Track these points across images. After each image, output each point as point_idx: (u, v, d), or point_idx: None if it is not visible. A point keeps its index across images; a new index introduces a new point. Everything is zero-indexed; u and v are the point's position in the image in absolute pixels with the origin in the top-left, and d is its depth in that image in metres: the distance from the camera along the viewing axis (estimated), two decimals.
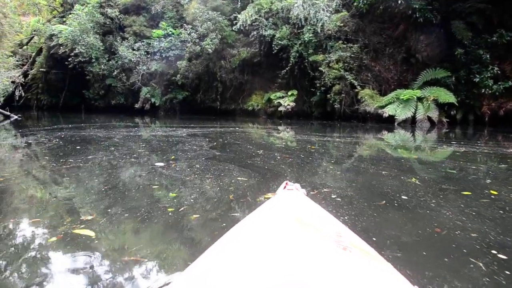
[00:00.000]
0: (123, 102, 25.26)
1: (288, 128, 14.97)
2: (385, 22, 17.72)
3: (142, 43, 23.47)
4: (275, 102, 20.25)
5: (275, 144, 9.43)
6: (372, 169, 5.70)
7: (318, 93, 18.44)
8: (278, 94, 20.34)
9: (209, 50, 20.69)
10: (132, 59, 23.04)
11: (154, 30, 23.38)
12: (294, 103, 19.53)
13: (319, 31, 18.15)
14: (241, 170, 5.45)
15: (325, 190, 4.23)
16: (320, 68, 18.00)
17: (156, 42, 23.06)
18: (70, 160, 6.13)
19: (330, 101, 17.89)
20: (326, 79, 17.65)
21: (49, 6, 30.11)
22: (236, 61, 21.51)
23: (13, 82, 25.76)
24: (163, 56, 23.09)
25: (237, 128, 14.15)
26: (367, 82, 17.53)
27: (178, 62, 22.21)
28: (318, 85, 18.18)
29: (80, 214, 3.29)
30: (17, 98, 25.39)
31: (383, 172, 5.38)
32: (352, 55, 17.45)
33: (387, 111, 15.91)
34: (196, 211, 3.44)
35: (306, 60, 18.69)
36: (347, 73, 17.24)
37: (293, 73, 19.41)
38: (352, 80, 17.16)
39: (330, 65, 17.68)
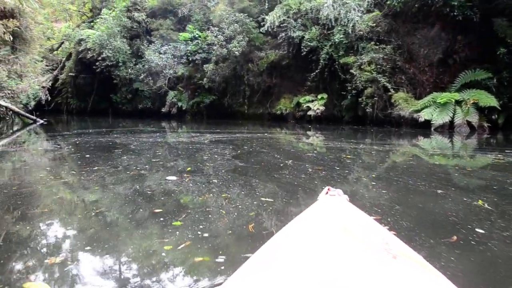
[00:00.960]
0: (150, 106, 25.46)
1: (318, 134, 14.59)
2: (420, 22, 17.03)
3: (169, 46, 23.52)
4: (304, 106, 19.88)
5: (305, 153, 9.00)
6: (422, 187, 4.92)
7: (349, 97, 17.94)
8: (307, 97, 19.96)
9: (236, 52, 20.50)
10: (159, 63, 23.13)
11: (180, 33, 23.43)
12: (324, 107, 19.09)
13: (350, 32, 17.67)
14: (266, 186, 4.87)
15: (373, 218, 3.63)
16: (351, 71, 17.52)
17: (183, 46, 23.09)
18: (73, 171, 5.96)
19: (362, 105, 17.40)
20: (358, 82, 17.16)
21: (79, 11, 30.75)
22: (264, 64, 21.23)
23: (43, 87, 26.37)
24: (190, 59, 23.12)
25: (264, 134, 13.82)
26: (401, 85, 16.90)
27: (204, 66, 22.13)
28: (349, 88, 17.71)
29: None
30: (43, 103, 25.90)
31: (438, 191, 4.62)
32: (385, 57, 16.87)
33: (423, 116, 15.24)
34: (201, 251, 2.71)
35: (337, 62, 18.25)
36: (379, 75, 16.67)
37: (323, 76, 18.97)
38: (385, 83, 16.58)
39: (362, 67, 17.18)
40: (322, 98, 19.36)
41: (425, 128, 15.13)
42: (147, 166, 6.41)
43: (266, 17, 19.82)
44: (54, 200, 4.29)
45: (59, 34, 30.20)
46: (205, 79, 22.41)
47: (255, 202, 4.05)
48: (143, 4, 24.88)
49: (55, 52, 31.57)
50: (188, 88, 24.26)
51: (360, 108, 17.76)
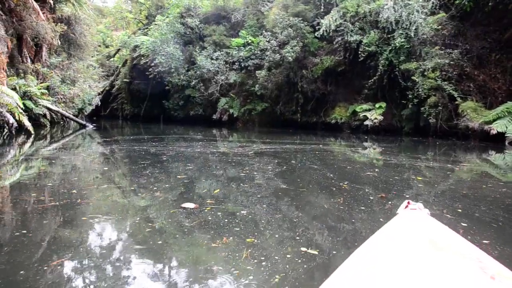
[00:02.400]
0: (202, 113, 25.55)
1: (375, 146, 13.72)
2: (491, 24, 15.64)
3: (221, 52, 23.43)
4: (361, 115, 18.97)
5: (364, 171, 7.80)
6: None
7: (410, 106, 16.91)
8: (365, 106, 19.06)
9: (290, 58, 20.01)
10: (211, 69, 23.09)
11: (233, 39, 23.23)
12: (382, 117, 18.07)
13: (412, 36, 16.64)
14: (312, 226, 3.80)
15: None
16: (413, 78, 16.49)
17: (235, 51, 22.96)
18: (74, 191, 5.32)
19: (424, 115, 16.29)
20: (420, 89, 16.10)
21: (135, 19, 31.62)
22: (319, 70, 20.53)
23: (99, 93, 27.30)
24: (242, 65, 22.93)
25: (317, 146, 13.07)
26: (469, 94, 15.56)
27: (257, 72, 21.83)
28: (410, 96, 16.70)
29: None
30: (94, 108, 26.74)
31: None
32: (451, 63, 15.65)
33: (496, 128, 13.84)
34: None
35: (397, 69, 17.29)
36: (445, 83, 15.47)
37: (381, 83, 18.09)
38: (451, 91, 15.36)
39: (425, 73, 16.10)
40: (380, 107, 18.35)
41: (497, 141, 13.80)
42: (167, 185, 5.70)
43: (322, 20, 19.16)
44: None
45: (117, 42, 31.14)
46: (257, 85, 22.12)
47: (289, 256, 2.97)
48: (197, 10, 25.07)
49: (111, 59, 32.65)
50: (240, 95, 24.08)
51: (422, 118, 16.65)
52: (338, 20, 18.71)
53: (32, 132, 13.22)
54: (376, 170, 7.97)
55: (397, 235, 1.62)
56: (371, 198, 5.13)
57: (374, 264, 1.30)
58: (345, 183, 6.15)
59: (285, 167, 7.95)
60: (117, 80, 29.47)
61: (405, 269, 1.19)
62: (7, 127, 12.56)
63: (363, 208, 4.57)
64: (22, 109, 14.57)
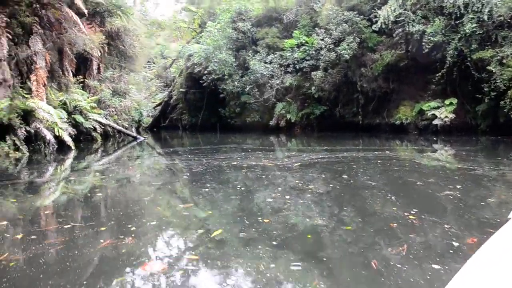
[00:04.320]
0: (259, 120, 24.48)
1: (448, 149, 11.96)
2: None
3: (275, 55, 22.25)
4: (429, 114, 17.17)
5: (441, 189, 5.91)
6: None
7: (486, 100, 15.10)
8: (432, 104, 17.21)
9: (346, 56, 18.48)
10: (264, 73, 22.00)
11: (286, 41, 21.97)
12: (453, 114, 16.16)
13: (485, 19, 14.59)
14: None
15: None
16: (488, 68, 14.72)
17: (289, 53, 21.69)
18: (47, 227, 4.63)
19: (504, 110, 14.35)
20: (498, 81, 14.29)
21: (188, 28, 31.47)
22: (379, 67, 18.74)
23: (158, 105, 27.31)
24: (297, 67, 21.60)
25: (379, 153, 11.31)
26: None
27: (312, 73, 20.40)
28: (486, 89, 14.90)
29: None
30: (153, 119, 26.67)
31: None
32: None
33: None
34: None
35: (469, 59, 15.53)
36: None
37: (450, 76, 16.28)
38: None
39: (504, 62, 14.12)
40: (450, 103, 16.42)
41: None
42: (154, 222, 4.48)
43: (379, 12, 17.34)
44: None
45: (174, 52, 31.16)
46: (313, 87, 20.70)
47: None
48: (248, 13, 24.16)
49: (168, 70, 32.79)
50: (297, 99, 22.80)
51: (501, 113, 14.80)
52: (397, 10, 16.83)
53: (73, 147, 12.93)
54: (458, 186, 6.02)
55: None
56: (455, 244, 3.41)
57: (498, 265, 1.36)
58: (413, 212, 4.52)
59: (331, 185, 6.49)
60: (174, 91, 29.38)
61: None
62: (45, 143, 12.23)
63: (439, 267, 2.93)
64: (70, 123, 14.41)
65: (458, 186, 6.02)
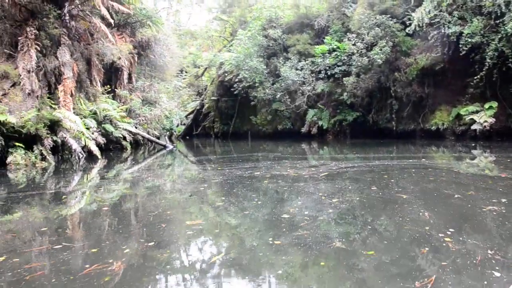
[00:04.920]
0: (290, 127, 24.11)
1: (489, 156, 11.22)
2: None
3: (306, 61, 21.89)
4: (467, 118, 16.44)
5: (482, 203, 5.29)
6: None
7: None
8: (471, 108, 16.44)
9: (379, 60, 17.94)
10: (295, 79, 21.67)
11: (317, 47, 21.58)
12: (493, 119, 15.38)
13: None
14: None
15: None
16: None
17: (320, 59, 21.25)
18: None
19: None
20: None
21: (220, 37, 31.55)
22: (413, 71, 18.10)
23: (190, 114, 27.40)
24: (329, 73, 21.15)
25: (413, 161, 10.65)
26: None
27: (344, 79, 19.92)
28: None
29: None
30: (173, 128, 26.79)
31: None
32: None
33: None
34: None
35: (510, 60, 14.53)
36: None
37: (490, 79, 15.49)
38: None
39: None
40: (490, 107, 15.64)
41: None
42: (151, 244, 4.16)
43: (413, 14, 16.74)
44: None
45: (206, 61, 31.29)
46: (345, 93, 20.20)
47: None
48: (279, 20, 23.94)
49: (199, 79, 32.96)
50: (328, 105, 22.34)
51: None
52: (432, 11, 16.19)
53: (99, 157, 13.02)
54: (502, 200, 5.35)
55: None
56: (496, 274, 2.95)
57: None
58: (449, 232, 4.01)
59: (358, 198, 6.00)
60: (206, 99, 29.46)
61: None
62: (71, 152, 12.32)
63: None
64: (100, 132, 14.53)
65: (503, 200, 5.34)
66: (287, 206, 5.65)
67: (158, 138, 21.13)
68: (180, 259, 3.77)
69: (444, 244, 3.67)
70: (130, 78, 18.15)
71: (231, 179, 8.29)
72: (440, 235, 3.94)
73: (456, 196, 5.85)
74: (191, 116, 30.87)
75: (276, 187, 7.26)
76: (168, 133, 26.56)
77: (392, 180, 7.52)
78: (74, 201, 6.86)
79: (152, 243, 4.08)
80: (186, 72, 31.53)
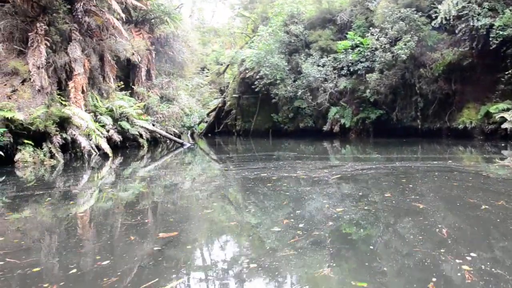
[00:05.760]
0: (312, 125, 23.37)
1: None
2: None
3: (328, 58, 21.11)
4: (497, 117, 15.49)
5: None
6: None
7: None
8: (501, 105, 15.53)
9: (403, 56, 17.06)
10: (317, 76, 20.95)
11: (339, 42, 20.75)
12: None
13: None
14: None
15: None
16: None
17: (343, 55, 20.45)
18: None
19: None
20: None
21: (242, 33, 31.06)
22: (440, 67, 17.14)
23: (211, 112, 27.02)
24: (351, 70, 20.32)
25: (438, 162, 9.79)
26: None
27: (367, 75, 19.04)
28: None
29: None
30: (194, 125, 26.37)
31: None
32: None
33: None
34: None
35: None
36: None
37: None
38: None
39: None
40: None
41: None
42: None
43: (439, 7, 15.71)
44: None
45: (228, 58, 30.90)
46: (367, 90, 19.36)
47: None
48: (301, 16, 23.21)
49: (221, 76, 32.58)
50: (351, 103, 21.53)
51: None
52: (460, 3, 15.20)
53: (110, 155, 12.73)
54: None
55: None
56: None
57: None
58: (469, 258, 3.21)
59: (366, 208, 5.17)
60: (227, 96, 29.07)
61: None
62: (81, 150, 12.01)
63: None
64: (116, 130, 14.26)
65: None
66: (281, 216, 4.94)
67: (180, 136, 20.82)
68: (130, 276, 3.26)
69: (459, 274, 2.91)
70: (148, 75, 17.86)
71: (232, 181, 7.74)
72: (458, 261, 3.15)
73: (483, 207, 4.91)
74: (213, 113, 30.52)
75: (278, 192, 6.51)
76: (188, 131, 26.26)
77: (410, 185, 6.67)
78: (78, 201, 6.49)
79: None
80: (208, 69, 31.20)
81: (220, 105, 29.84)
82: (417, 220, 4.50)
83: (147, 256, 3.61)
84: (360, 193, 6.17)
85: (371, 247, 3.76)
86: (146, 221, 4.89)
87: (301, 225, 4.44)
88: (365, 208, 5.19)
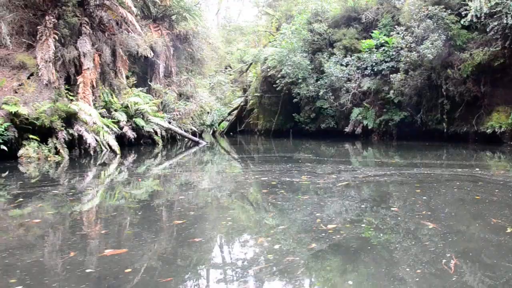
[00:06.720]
0: (334, 126, 22.60)
1: None
2: None
3: (352, 57, 20.32)
4: None
5: None
6: None
7: None
8: None
9: (430, 56, 16.19)
10: (340, 76, 20.21)
11: (363, 41, 19.92)
12: None
13: None
14: None
15: None
16: None
17: (367, 55, 19.62)
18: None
19: None
20: None
21: (265, 31, 30.54)
22: (468, 68, 16.12)
23: (235, 109, 26.60)
24: (375, 70, 19.50)
25: (462, 170, 8.83)
26: None
27: (391, 76, 18.19)
28: None
29: None
30: (214, 124, 26.03)
31: None
32: None
33: None
34: None
35: None
36: None
37: None
38: None
39: None
40: None
41: None
42: None
43: (470, 4, 14.72)
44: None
45: (251, 57, 30.45)
46: (392, 91, 18.49)
47: None
48: (325, 14, 22.45)
49: (244, 74, 32.14)
50: (374, 104, 20.69)
51: None
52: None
53: (118, 152, 12.27)
54: None
55: None
56: None
57: None
58: None
59: (363, 225, 4.34)
60: (249, 95, 28.66)
61: None
62: (88, 147, 11.62)
63: None
64: (131, 126, 13.97)
65: None
66: (262, 231, 4.24)
67: (200, 134, 20.45)
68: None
69: None
70: (166, 71, 17.52)
71: (226, 184, 7.20)
72: None
73: (508, 230, 3.87)
74: (235, 112, 30.18)
75: (270, 200, 5.77)
76: (209, 129, 25.89)
77: (424, 198, 5.68)
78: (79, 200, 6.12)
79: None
80: (230, 68, 30.82)
81: (242, 104, 29.46)
82: (421, 247, 3.55)
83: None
84: (362, 206, 5.31)
85: (350, 282, 2.92)
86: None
87: (276, 247, 3.62)
88: (362, 225, 4.33)
